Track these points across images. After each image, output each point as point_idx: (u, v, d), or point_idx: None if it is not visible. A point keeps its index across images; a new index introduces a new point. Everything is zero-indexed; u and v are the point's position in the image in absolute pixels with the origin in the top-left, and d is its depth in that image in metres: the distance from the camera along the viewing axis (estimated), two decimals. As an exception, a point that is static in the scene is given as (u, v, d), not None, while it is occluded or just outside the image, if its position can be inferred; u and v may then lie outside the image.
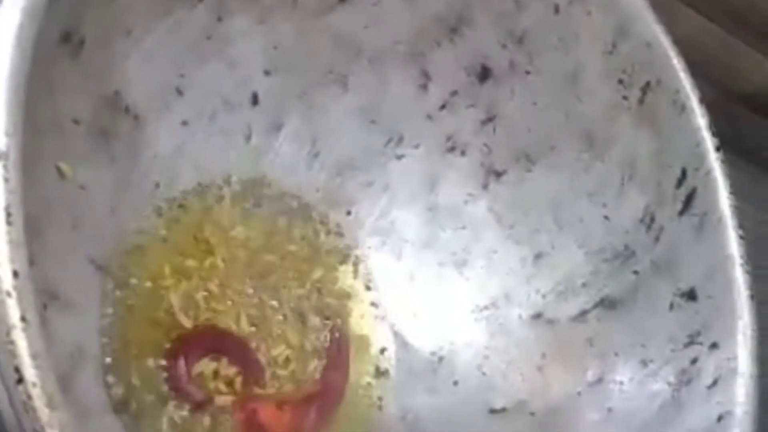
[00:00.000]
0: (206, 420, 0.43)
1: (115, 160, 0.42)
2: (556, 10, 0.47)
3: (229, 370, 0.44)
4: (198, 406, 0.42)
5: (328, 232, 0.50)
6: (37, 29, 0.30)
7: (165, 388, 0.42)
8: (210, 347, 0.44)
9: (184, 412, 0.42)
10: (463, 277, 0.51)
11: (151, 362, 0.42)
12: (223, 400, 0.43)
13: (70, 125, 0.39)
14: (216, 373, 0.44)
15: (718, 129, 0.46)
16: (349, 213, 0.50)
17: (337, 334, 0.48)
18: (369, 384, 0.48)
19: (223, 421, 0.43)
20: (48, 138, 0.37)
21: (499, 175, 0.50)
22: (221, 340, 0.45)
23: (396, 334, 0.50)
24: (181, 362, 0.43)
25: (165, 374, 0.42)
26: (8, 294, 0.27)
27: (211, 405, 0.43)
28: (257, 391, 0.44)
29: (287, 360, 0.46)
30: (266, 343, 0.46)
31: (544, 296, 0.49)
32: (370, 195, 0.51)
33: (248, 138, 0.48)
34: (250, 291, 0.46)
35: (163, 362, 0.42)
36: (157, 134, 0.44)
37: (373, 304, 0.50)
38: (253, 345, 0.45)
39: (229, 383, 0.44)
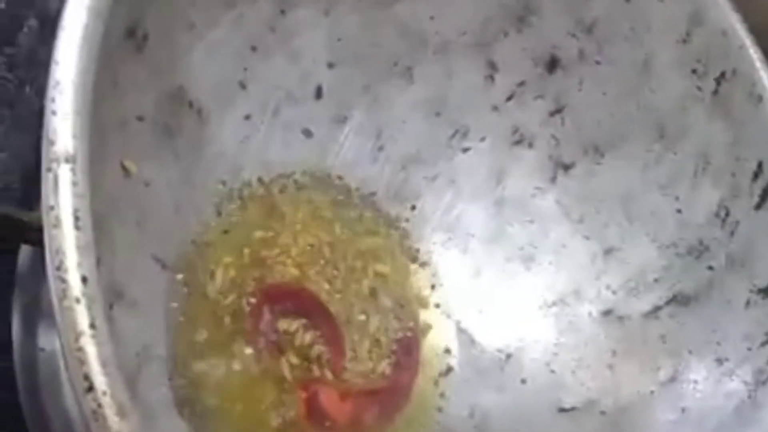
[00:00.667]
0: (272, 392, 0.42)
1: (179, 156, 0.41)
2: (627, -3, 0.46)
3: (315, 341, 0.44)
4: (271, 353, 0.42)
5: (395, 227, 0.49)
6: (103, 27, 0.30)
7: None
8: (299, 307, 0.44)
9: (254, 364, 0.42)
10: (531, 272, 0.50)
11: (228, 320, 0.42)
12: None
13: (134, 122, 0.38)
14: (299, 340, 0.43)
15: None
16: (414, 207, 0.50)
17: (409, 333, 0.47)
18: (436, 383, 0.47)
19: (288, 391, 0.43)
20: (112, 135, 0.36)
21: (567, 167, 0.49)
22: (311, 305, 0.45)
23: (462, 332, 0.49)
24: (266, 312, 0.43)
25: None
26: (77, 300, 0.27)
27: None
28: (328, 375, 0.44)
29: (368, 352, 0.46)
30: (348, 327, 0.46)
31: (614, 292, 0.48)
32: (436, 189, 0.50)
33: (312, 132, 0.47)
34: (334, 272, 0.46)
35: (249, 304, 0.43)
36: (221, 129, 0.44)
37: (438, 301, 0.49)
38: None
39: (309, 358, 0.44)
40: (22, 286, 0.44)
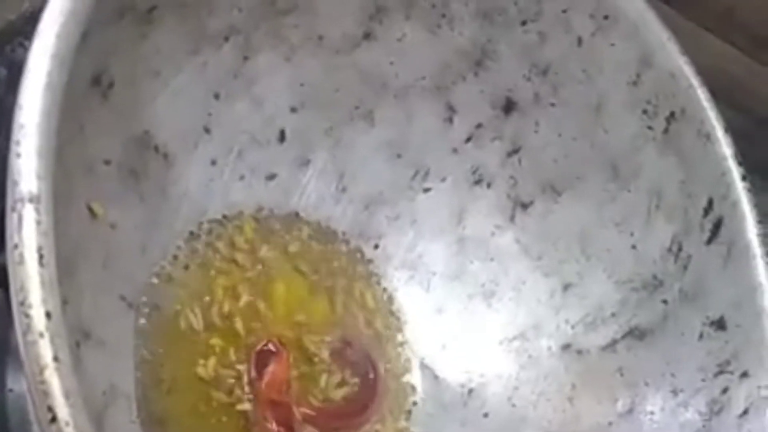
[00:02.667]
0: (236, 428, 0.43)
1: (145, 199, 0.42)
2: (580, 42, 0.47)
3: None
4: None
5: (356, 264, 0.50)
6: (66, 74, 0.31)
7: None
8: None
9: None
10: (492, 308, 0.51)
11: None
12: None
13: (100, 166, 0.39)
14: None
15: (742, 152, 0.46)
16: (377, 246, 0.51)
17: (372, 371, 0.48)
18: (399, 418, 0.48)
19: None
20: (79, 178, 0.37)
21: (525, 206, 0.50)
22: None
23: (426, 367, 0.50)
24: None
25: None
26: (41, 335, 0.27)
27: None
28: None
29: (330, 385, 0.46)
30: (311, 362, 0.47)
31: (573, 327, 0.49)
32: (398, 228, 0.51)
33: (276, 174, 0.48)
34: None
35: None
36: (186, 172, 0.44)
37: (402, 338, 0.50)
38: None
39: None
40: (-9, 327, 0.44)
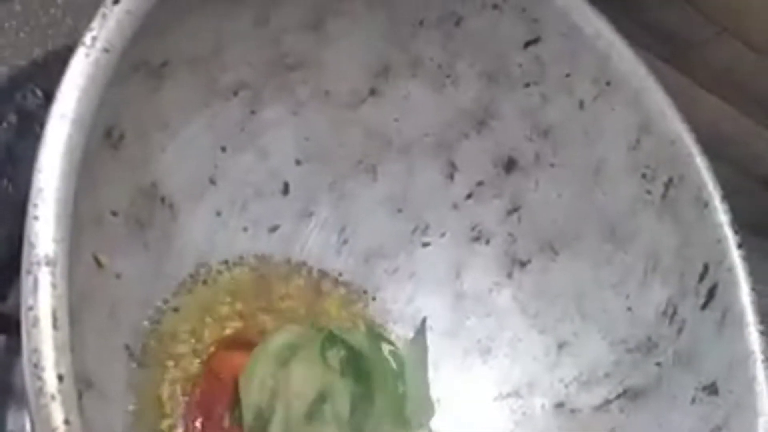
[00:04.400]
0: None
1: (150, 248, 0.43)
2: (581, 105, 0.48)
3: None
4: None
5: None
6: (85, 137, 0.31)
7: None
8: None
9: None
10: (487, 365, 0.51)
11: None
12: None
13: (108, 217, 0.40)
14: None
15: (737, 209, 0.47)
16: (375, 299, 0.51)
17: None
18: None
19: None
20: (87, 230, 0.38)
21: (523, 264, 0.51)
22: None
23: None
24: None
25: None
26: (53, 397, 0.28)
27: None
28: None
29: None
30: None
31: (567, 385, 0.50)
32: (397, 281, 0.52)
33: (279, 226, 0.49)
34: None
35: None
36: (191, 223, 0.45)
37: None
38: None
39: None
40: (-6, 373, 0.45)
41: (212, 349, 0.46)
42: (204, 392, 0.44)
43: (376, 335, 0.49)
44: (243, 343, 0.46)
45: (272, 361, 0.45)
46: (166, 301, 0.45)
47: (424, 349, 0.50)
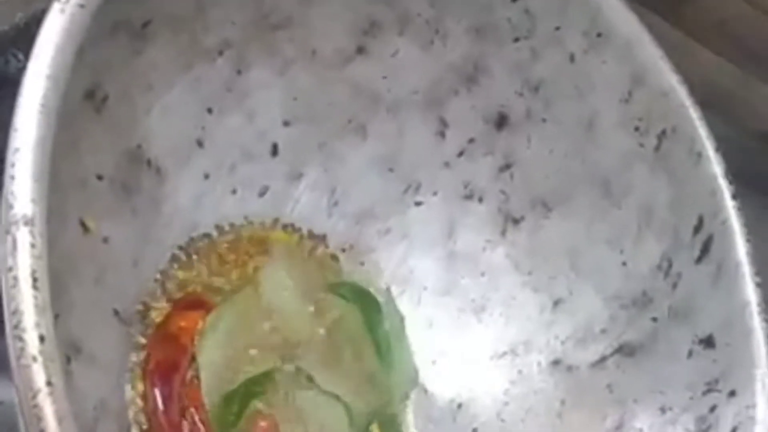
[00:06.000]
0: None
1: (137, 213, 0.42)
2: (572, 59, 0.47)
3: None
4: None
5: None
6: (62, 94, 0.31)
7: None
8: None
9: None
10: (482, 323, 0.51)
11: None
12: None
13: (93, 180, 0.39)
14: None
15: (734, 165, 0.46)
16: (367, 261, 0.51)
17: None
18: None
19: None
20: (72, 194, 0.37)
21: (516, 221, 0.51)
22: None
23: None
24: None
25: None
26: (34, 359, 0.28)
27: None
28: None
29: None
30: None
31: (563, 343, 0.49)
32: (389, 243, 0.51)
33: (268, 188, 0.48)
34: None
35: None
36: (178, 187, 0.45)
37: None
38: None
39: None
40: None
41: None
42: (160, 359, 0.43)
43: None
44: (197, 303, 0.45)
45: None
46: (156, 266, 0.45)
47: (401, 319, 0.50)
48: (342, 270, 0.50)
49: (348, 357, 0.47)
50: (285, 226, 0.49)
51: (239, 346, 0.44)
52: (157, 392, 0.42)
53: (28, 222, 0.29)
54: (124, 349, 0.42)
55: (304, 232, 0.50)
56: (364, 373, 0.48)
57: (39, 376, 0.27)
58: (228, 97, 0.45)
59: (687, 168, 0.46)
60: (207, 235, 0.46)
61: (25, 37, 0.46)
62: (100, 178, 0.40)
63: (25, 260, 0.28)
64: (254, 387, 0.44)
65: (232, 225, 0.47)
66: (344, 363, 0.47)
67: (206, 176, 0.46)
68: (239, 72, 0.45)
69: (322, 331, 0.47)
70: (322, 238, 0.50)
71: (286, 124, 0.48)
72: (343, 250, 0.51)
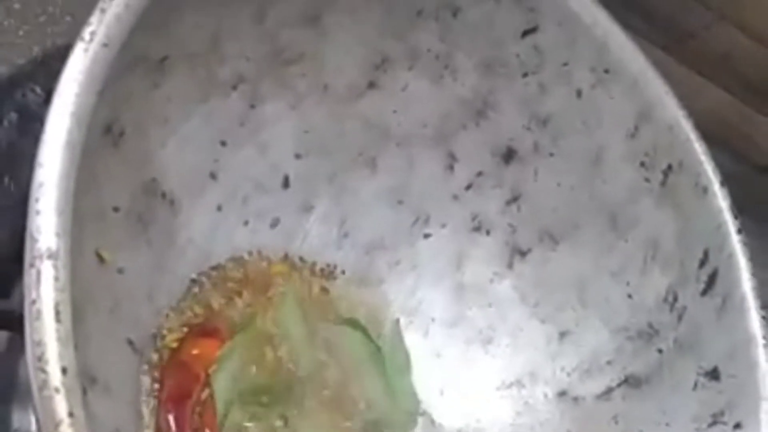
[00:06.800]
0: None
1: (152, 244, 0.43)
2: (579, 94, 0.48)
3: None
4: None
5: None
6: (85, 131, 0.32)
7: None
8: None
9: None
10: (489, 354, 0.51)
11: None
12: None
13: (110, 212, 0.40)
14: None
15: (737, 198, 0.47)
16: (377, 292, 0.51)
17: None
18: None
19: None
20: (89, 226, 0.38)
21: (523, 254, 0.51)
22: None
23: (423, 412, 0.50)
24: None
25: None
26: (56, 390, 0.28)
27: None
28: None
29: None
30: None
31: (569, 374, 0.50)
32: (399, 274, 0.52)
33: (279, 220, 0.49)
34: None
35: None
36: (192, 218, 0.45)
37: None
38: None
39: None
40: (-2, 369, 0.45)
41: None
42: (173, 385, 0.44)
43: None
44: (210, 331, 0.46)
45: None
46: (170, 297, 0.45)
47: (406, 355, 0.51)
48: (350, 302, 0.50)
49: (352, 389, 0.48)
50: (295, 259, 0.50)
51: (250, 375, 0.45)
52: (170, 418, 0.42)
53: (52, 255, 0.29)
54: (137, 377, 0.43)
55: (315, 264, 0.50)
56: (367, 404, 0.48)
57: (61, 407, 0.28)
58: (241, 130, 0.46)
59: (693, 202, 0.47)
60: (220, 266, 0.47)
61: (42, 70, 0.47)
62: (116, 210, 0.40)
63: (48, 293, 0.29)
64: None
65: (243, 257, 0.48)
66: (346, 396, 0.48)
67: (219, 208, 0.46)
68: (253, 106, 0.46)
69: (328, 361, 0.47)
70: (332, 270, 0.50)
71: (297, 156, 0.48)
72: (352, 282, 0.51)
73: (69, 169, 0.31)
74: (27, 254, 0.30)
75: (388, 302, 0.51)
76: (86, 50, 0.32)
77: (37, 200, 0.30)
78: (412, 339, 0.51)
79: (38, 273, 0.29)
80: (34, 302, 0.29)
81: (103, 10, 0.33)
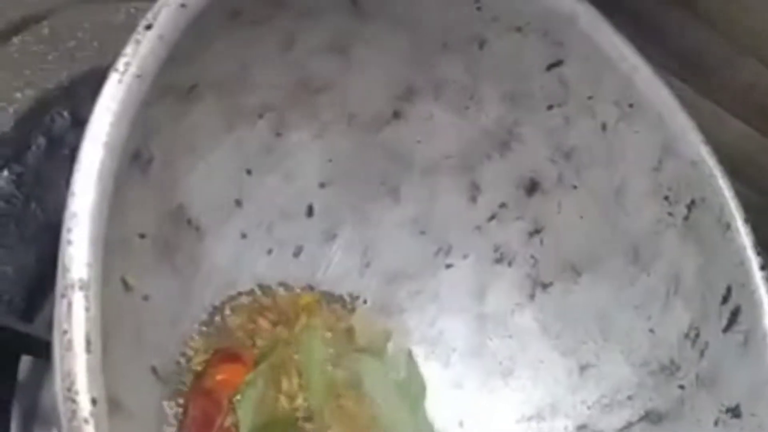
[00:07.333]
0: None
1: (177, 272, 0.43)
2: (604, 127, 0.48)
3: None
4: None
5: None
6: (118, 161, 0.32)
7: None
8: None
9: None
10: (509, 386, 0.51)
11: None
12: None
13: (136, 239, 0.40)
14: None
15: (760, 231, 0.47)
16: (398, 322, 0.51)
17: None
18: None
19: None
20: (116, 252, 0.38)
21: (545, 286, 0.51)
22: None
23: (443, 444, 0.50)
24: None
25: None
26: (86, 421, 0.28)
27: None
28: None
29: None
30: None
31: (589, 408, 0.50)
32: (420, 304, 0.52)
33: (303, 248, 0.49)
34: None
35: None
36: (217, 246, 0.45)
37: (421, 413, 0.51)
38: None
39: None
40: (21, 393, 0.45)
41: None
42: (197, 413, 0.44)
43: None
44: (234, 356, 0.46)
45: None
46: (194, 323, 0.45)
47: (423, 387, 0.51)
48: (371, 331, 0.50)
49: (373, 419, 0.48)
50: (319, 288, 0.50)
51: (273, 404, 0.45)
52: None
53: (84, 286, 0.29)
54: (160, 404, 0.43)
55: (337, 294, 0.50)
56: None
57: (91, 438, 0.28)
58: (267, 158, 0.46)
59: (716, 238, 0.47)
60: (244, 293, 0.47)
61: (70, 95, 0.47)
62: (142, 236, 0.41)
63: (80, 324, 0.29)
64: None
65: (267, 284, 0.48)
66: (367, 425, 0.48)
67: (244, 235, 0.47)
68: (279, 134, 0.46)
69: (349, 391, 0.48)
70: (354, 300, 0.51)
71: (321, 185, 0.49)
72: (374, 311, 0.51)
73: (101, 199, 0.31)
74: (58, 284, 0.30)
75: (408, 332, 0.51)
76: (120, 81, 0.33)
77: (69, 230, 0.30)
78: (432, 369, 0.51)
79: (69, 304, 0.29)
80: (65, 332, 0.29)
81: (137, 42, 0.33)
